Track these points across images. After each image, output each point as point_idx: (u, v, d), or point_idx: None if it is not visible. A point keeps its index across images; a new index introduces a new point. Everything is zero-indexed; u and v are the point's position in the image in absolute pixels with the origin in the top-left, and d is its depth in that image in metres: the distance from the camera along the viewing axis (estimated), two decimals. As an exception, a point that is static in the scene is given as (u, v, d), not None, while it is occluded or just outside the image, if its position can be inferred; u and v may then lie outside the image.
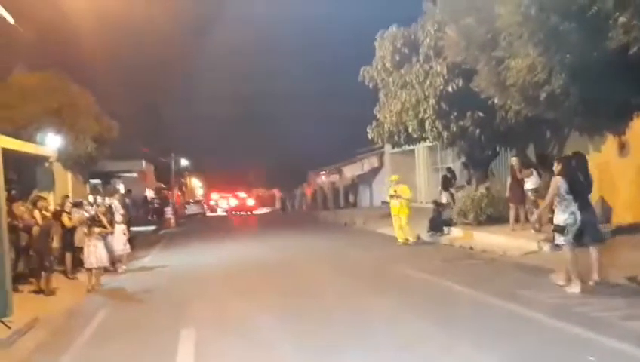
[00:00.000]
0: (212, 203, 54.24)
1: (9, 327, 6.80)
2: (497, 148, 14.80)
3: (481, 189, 13.81)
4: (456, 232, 13.30)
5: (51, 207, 11.65)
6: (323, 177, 41.85)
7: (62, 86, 14.88)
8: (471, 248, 11.61)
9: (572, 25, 6.79)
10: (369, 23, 17.02)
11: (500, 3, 7.75)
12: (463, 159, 15.63)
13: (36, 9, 8.57)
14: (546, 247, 9.92)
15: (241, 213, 42.91)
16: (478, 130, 12.54)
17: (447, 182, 16.15)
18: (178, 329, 6.39)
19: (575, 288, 6.80)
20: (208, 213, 45.77)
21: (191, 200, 47.74)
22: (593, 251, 7.01)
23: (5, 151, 7.99)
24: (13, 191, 10.34)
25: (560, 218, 6.95)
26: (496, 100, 9.99)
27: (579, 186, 6.98)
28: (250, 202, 47.31)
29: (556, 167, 7.18)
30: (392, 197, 13.58)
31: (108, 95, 18.77)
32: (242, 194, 49.94)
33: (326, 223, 23.88)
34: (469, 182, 15.25)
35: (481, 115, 12.17)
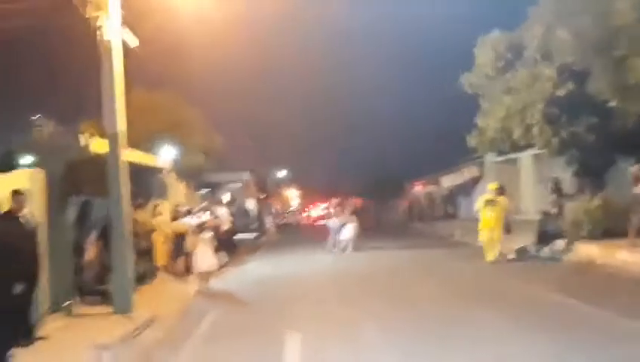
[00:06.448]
0: (305, 214, 56.93)
1: (132, 323, 7.40)
2: (614, 156, 13.68)
3: (596, 200, 12.78)
4: (566, 245, 12.39)
5: (165, 215, 12.55)
6: (419, 188, 41.09)
7: (174, 104, 16.05)
8: (584, 262, 10.80)
9: None
10: (466, 30, 16.62)
11: (619, -1, 7.24)
12: (574, 168, 14.60)
13: (145, 31, 9.45)
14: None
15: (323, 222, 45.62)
16: (592, 136, 11.70)
17: (558, 192, 14.73)
18: (283, 332, 6.56)
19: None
20: (303, 222, 47.25)
21: (288, 211, 49.30)
22: None
23: (128, 163, 8.72)
24: (140, 200, 11.19)
25: None
26: (613, 103, 9.28)
27: None
28: (315, 213, 51.50)
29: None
30: (487, 205, 12.23)
31: (214, 111, 19.92)
32: (323, 205, 55.02)
33: (422, 235, 23.42)
34: (581, 192, 14.16)
35: (595, 119, 11.36)
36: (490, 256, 11.98)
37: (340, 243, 16.66)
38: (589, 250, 11.41)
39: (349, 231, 16.64)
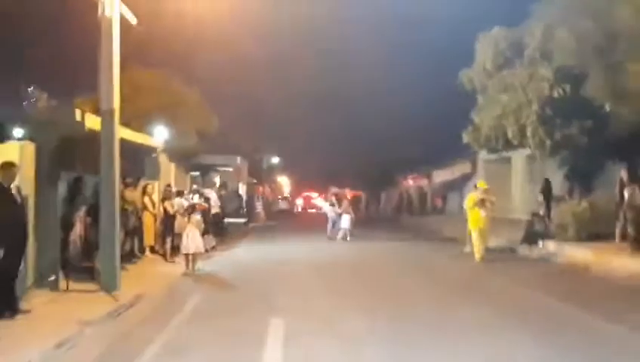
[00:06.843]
0: (296, 201, 57.89)
1: (116, 301, 7.41)
2: (605, 160, 13.80)
3: (584, 203, 12.90)
4: (552, 247, 12.51)
5: (155, 195, 12.51)
6: (410, 181, 41.23)
7: (171, 82, 15.89)
8: (570, 264, 10.92)
9: None
10: (467, 26, 16.63)
11: (620, 4, 7.25)
12: (565, 170, 14.72)
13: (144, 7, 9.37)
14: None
15: (312, 210, 47.60)
16: (585, 139, 11.77)
17: (548, 194, 14.88)
18: (267, 318, 6.58)
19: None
20: (295, 210, 47.62)
21: (279, 197, 49.48)
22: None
23: (120, 140, 8.66)
24: (129, 179, 11.11)
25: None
26: (608, 108, 9.33)
27: None
28: (319, 201, 53.17)
29: None
30: (479, 204, 12.01)
31: (209, 90, 19.74)
32: (313, 194, 56.55)
33: (411, 228, 23.53)
34: (570, 195, 14.30)
35: (589, 123, 11.42)
36: (479, 255, 11.79)
37: (337, 232, 17.38)
38: (574, 252, 11.54)
39: (345, 220, 17.33)
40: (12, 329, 5.79)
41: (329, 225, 18.06)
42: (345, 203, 18.11)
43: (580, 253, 11.32)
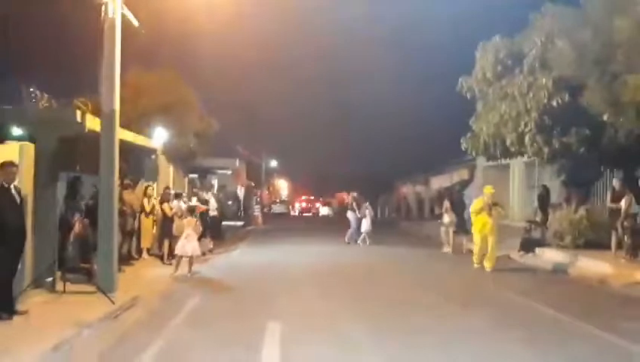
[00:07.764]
0: (294, 205, 58.61)
1: (113, 303, 7.40)
2: (602, 169, 13.87)
3: (581, 211, 12.94)
4: (549, 255, 12.54)
5: (154, 198, 12.50)
6: (408, 187, 41.28)
7: (171, 84, 15.88)
8: (566, 272, 10.96)
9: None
10: (467, 33, 16.73)
11: (619, 15, 7.31)
12: (563, 177, 14.78)
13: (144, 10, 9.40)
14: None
15: (309, 213, 48.58)
16: (582, 148, 11.83)
17: (545, 201, 14.98)
18: (264, 322, 6.58)
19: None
20: (292, 213, 47.93)
21: (277, 200, 49.63)
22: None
23: (120, 142, 8.67)
24: (127, 181, 11.10)
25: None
26: (606, 117, 9.39)
27: None
28: (317, 205, 54.63)
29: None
30: (486, 209, 11.37)
31: (209, 95, 19.81)
32: (310, 198, 60.80)
33: (410, 234, 23.58)
34: (567, 202, 14.34)
35: (587, 132, 11.49)
36: (488, 264, 11.40)
37: (359, 236, 17.43)
38: (572, 261, 11.56)
39: (366, 224, 17.38)
40: (9, 331, 5.79)
41: (350, 230, 17.80)
42: (363, 207, 17.87)
43: (575, 262, 11.36)
